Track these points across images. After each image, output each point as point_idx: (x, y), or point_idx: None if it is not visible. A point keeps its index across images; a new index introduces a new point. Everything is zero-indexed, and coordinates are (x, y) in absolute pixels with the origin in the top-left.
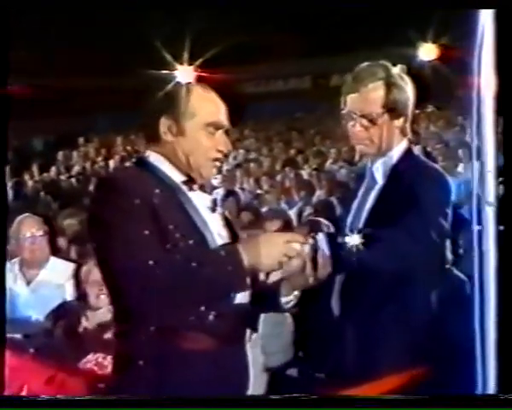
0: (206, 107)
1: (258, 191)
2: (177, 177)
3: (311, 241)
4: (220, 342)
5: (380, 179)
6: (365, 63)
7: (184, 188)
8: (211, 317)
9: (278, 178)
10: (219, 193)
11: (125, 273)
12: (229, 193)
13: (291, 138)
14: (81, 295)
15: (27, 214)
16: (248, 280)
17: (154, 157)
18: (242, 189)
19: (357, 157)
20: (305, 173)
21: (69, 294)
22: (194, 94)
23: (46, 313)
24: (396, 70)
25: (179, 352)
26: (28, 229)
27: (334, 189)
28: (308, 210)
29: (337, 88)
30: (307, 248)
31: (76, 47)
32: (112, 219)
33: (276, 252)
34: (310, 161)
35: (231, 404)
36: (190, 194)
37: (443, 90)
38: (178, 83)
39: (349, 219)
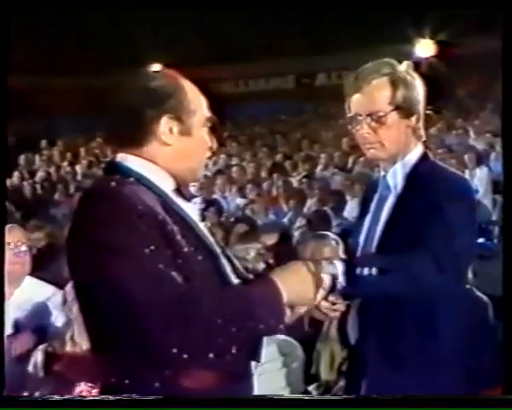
0: (200, 100)
1: (243, 200)
2: (168, 185)
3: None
4: (231, 377)
5: (394, 188)
6: (370, 62)
7: (178, 199)
8: (232, 352)
9: (265, 185)
10: (196, 202)
11: (144, 307)
12: (211, 202)
13: (275, 142)
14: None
15: (14, 224)
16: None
17: (134, 162)
18: (224, 197)
19: (350, 163)
20: (294, 181)
21: (54, 316)
22: (187, 87)
23: (19, 341)
24: (402, 67)
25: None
26: (12, 240)
27: (327, 198)
28: (299, 221)
29: (323, 88)
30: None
31: (36, 43)
32: (118, 241)
33: (311, 285)
34: (298, 167)
35: (232, 404)
36: (184, 205)
37: (442, 91)
38: (162, 77)
39: (362, 238)
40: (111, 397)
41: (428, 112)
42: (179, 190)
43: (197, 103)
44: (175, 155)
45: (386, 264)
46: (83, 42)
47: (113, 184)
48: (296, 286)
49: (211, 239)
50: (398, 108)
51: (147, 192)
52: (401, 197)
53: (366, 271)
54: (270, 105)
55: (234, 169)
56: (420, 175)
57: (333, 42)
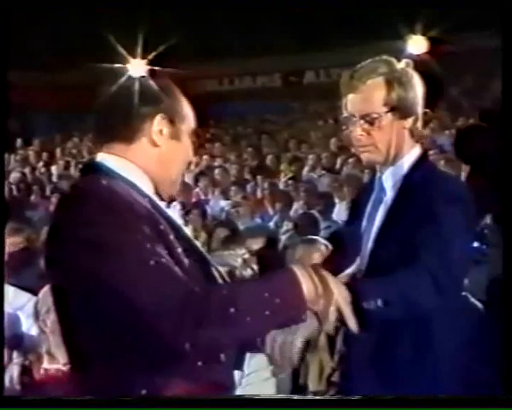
0: (189, 109)
1: (227, 203)
2: (148, 188)
3: None
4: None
5: (390, 190)
6: (368, 60)
7: (162, 204)
8: (221, 358)
9: (249, 188)
10: (176, 207)
11: (154, 307)
12: (194, 205)
13: (261, 143)
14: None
15: None
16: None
17: (115, 163)
18: (207, 201)
19: (338, 165)
20: (280, 183)
21: (27, 327)
22: (178, 93)
23: None
24: (401, 65)
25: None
26: None
27: (314, 200)
28: (286, 225)
29: (311, 86)
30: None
31: (11, 36)
32: (118, 241)
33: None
34: (285, 168)
35: (227, 404)
36: (169, 211)
37: (434, 89)
38: (157, 77)
39: (356, 242)
40: (110, 397)
41: (426, 110)
42: (159, 194)
43: (187, 111)
44: (160, 159)
45: (383, 290)
46: (61, 37)
47: (104, 182)
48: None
49: (198, 243)
50: (393, 109)
51: (134, 192)
52: (397, 201)
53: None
54: (255, 104)
55: (217, 171)
56: (417, 178)
57: (321, 39)
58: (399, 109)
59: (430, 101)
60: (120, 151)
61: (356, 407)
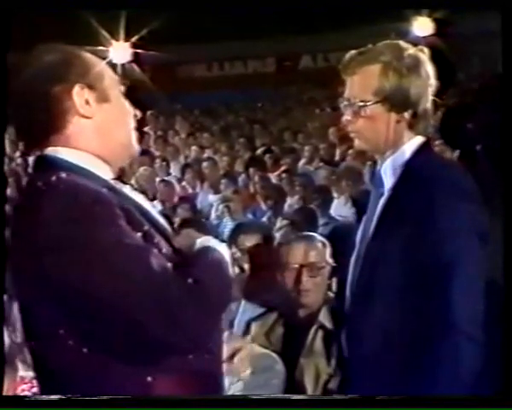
0: (100, 62)
1: (217, 197)
2: (107, 173)
3: None
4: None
5: (387, 182)
6: (381, 42)
7: (126, 190)
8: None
9: (240, 181)
10: (157, 206)
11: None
12: (181, 199)
13: (253, 133)
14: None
15: None
16: None
17: (66, 153)
18: (196, 194)
19: (337, 156)
20: (273, 176)
21: None
22: (81, 53)
23: None
24: (411, 51)
25: None
26: None
27: (310, 195)
28: (280, 222)
29: (307, 72)
30: None
31: None
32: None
33: None
34: (279, 160)
35: (226, 404)
36: (134, 196)
37: (442, 73)
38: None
39: (357, 239)
40: (109, 396)
41: (434, 98)
42: (119, 178)
43: (100, 66)
44: (99, 130)
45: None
46: (36, 16)
47: (64, 175)
48: None
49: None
50: (384, 99)
51: (94, 182)
52: (395, 193)
53: None
54: (247, 91)
55: (205, 163)
56: (418, 168)
57: (319, 20)
58: (393, 101)
59: (438, 88)
60: (62, 142)
61: (356, 407)
